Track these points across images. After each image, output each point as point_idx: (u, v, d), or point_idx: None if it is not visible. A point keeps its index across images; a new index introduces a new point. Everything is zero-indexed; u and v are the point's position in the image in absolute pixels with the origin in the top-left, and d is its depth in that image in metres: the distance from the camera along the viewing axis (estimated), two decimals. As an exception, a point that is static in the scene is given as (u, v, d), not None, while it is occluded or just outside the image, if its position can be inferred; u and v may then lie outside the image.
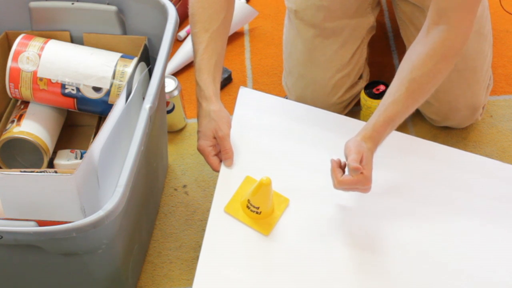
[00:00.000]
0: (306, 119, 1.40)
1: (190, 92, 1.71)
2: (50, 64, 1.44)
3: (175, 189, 1.60)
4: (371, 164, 1.23)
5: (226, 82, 1.77)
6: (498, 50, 1.78)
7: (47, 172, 1.36)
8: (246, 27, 1.90)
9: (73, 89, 1.45)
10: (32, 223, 1.17)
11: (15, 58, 1.44)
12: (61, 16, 1.48)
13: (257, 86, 1.76)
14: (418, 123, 1.67)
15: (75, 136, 1.63)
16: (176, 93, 1.62)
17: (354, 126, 1.31)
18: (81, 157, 1.53)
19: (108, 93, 1.45)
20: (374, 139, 1.25)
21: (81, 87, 1.45)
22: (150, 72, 1.34)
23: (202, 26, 1.34)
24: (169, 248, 1.50)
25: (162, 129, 1.52)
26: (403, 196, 1.29)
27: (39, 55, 1.44)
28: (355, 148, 1.22)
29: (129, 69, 1.44)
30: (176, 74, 1.78)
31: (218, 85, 1.35)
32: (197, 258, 1.22)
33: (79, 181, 1.16)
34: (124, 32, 1.49)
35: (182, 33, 1.88)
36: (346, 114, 1.62)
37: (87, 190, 1.19)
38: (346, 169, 1.22)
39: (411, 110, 1.28)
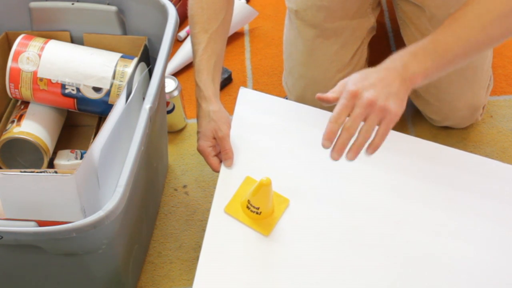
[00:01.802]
0: (306, 120, 1.40)
1: (190, 92, 1.71)
2: (50, 65, 1.44)
3: (175, 189, 1.60)
4: (368, 78, 1.09)
5: (226, 82, 1.77)
6: (498, 50, 1.78)
7: (47, 172, 1.36)
8: (246, 27, 1.90)
9: (73, 89, 1.45)
10: (32, 223, 1.17)
11: (15, 58, 1.44)
12: (61, 16, 1.48)
13: (257, 86, 1.76)
14: (418, 123, 1.67)
15: (75, 136, 1.63)
16: (176, 93, 1.62)
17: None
18: (81, 157, 1.53)
19: (108, 93, 1.45)
20: (402, 54, 1.12)
21: (81, 87, 1.45)
22: (150, 72, 1.34)
23: (202, 27, 1.34)
24: (169, 248, 1.50)
25: (162, 129, 1.52)
26: (403, 196, 1.29)
27: (39, 55, 1.44)
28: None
29: (129, 69, 1.44)
30: (176, 74, 1.78)
31: (218, 86, 1.35)
32: (197, 258, 1.22)
33: (79, 181, 1.16)
34: (124, 32, 1.49)
35: (182, 33, 1.88)
36: (346, 115, 1.62)
37: (87, 190, 1.19)
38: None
39: (465, 42, 1.13)
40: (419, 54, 1.13)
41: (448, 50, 1.14)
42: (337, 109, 1.08)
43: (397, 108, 1.08)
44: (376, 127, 1.09)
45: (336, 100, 1.10)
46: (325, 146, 1.07)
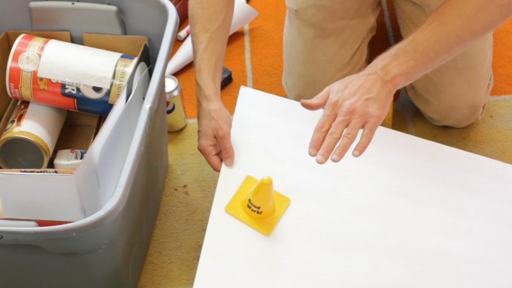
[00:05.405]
0: (307, 119, 1.39)
1: (190, 92, 1.71)
2: (50, 64, 1.44)
3: (175, 189, 1.60)
4: (350, 87, 1.16)
5: (226, 82, 1.77)
6: (498, 50, 1.78)
7: (47, 172, 1.36)
8: (246, 27, 1.90)
9: (73, 89, 1.45)
10: (32, 223, 1.17)
11: (15, 58, 1.44)
12: (61, 16, 1.48)
13: (257, 86, 1.76)
14: (418, 123, 1.67)
15: (75, 136, 1.63)
16: (176, 93, 1.62)
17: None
18: (81, 157, 1.53)
19: (108, 93, 1.45)
20: (383, 57, 1.17)
21: (81, 87, 1.45)
22: (150, 72, 1.34)
23: (202, 27, 1.34)
24: (169, 248, 1.50)
25: (162, 129, 1.52)
26: (403, 196, 1.29)
27: (39, 55, 1.44)
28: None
29: (129, 69, 1.44)
30: (176, 74, 1.78)
31: (218, 85, 1.35)
32: (197, 258, 1.22)
33: (79, 181, 1.16)
34: (124, 32, 1.49)
35: (182, 33, 1.88)
36: (346, 114, 1.62)
37: (87, 190, 1.19)
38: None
39: (446, 39, 1.15)
40: (399, 55, 1.17)
41: (429, 48, 1.17)
42: (320, 119, 1.15)
43: (377, 111, 1.14)
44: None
45: (318, 106, 1.16)
46: (311, 154, 1.13)
